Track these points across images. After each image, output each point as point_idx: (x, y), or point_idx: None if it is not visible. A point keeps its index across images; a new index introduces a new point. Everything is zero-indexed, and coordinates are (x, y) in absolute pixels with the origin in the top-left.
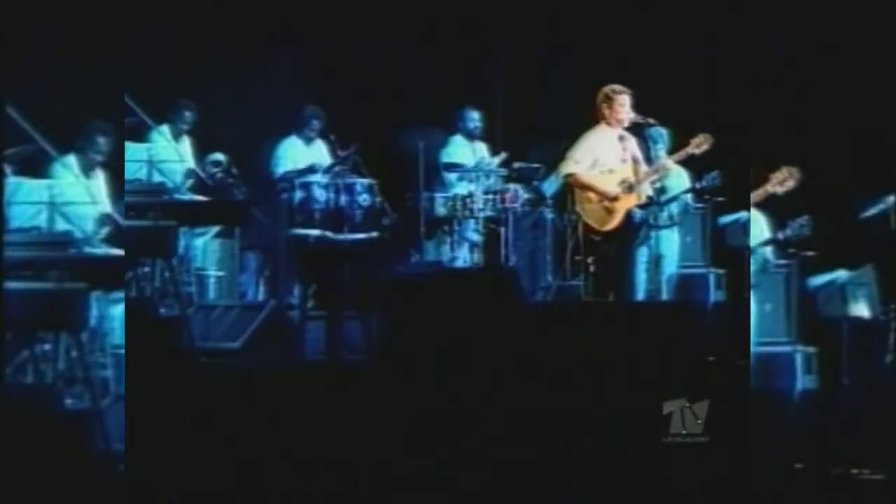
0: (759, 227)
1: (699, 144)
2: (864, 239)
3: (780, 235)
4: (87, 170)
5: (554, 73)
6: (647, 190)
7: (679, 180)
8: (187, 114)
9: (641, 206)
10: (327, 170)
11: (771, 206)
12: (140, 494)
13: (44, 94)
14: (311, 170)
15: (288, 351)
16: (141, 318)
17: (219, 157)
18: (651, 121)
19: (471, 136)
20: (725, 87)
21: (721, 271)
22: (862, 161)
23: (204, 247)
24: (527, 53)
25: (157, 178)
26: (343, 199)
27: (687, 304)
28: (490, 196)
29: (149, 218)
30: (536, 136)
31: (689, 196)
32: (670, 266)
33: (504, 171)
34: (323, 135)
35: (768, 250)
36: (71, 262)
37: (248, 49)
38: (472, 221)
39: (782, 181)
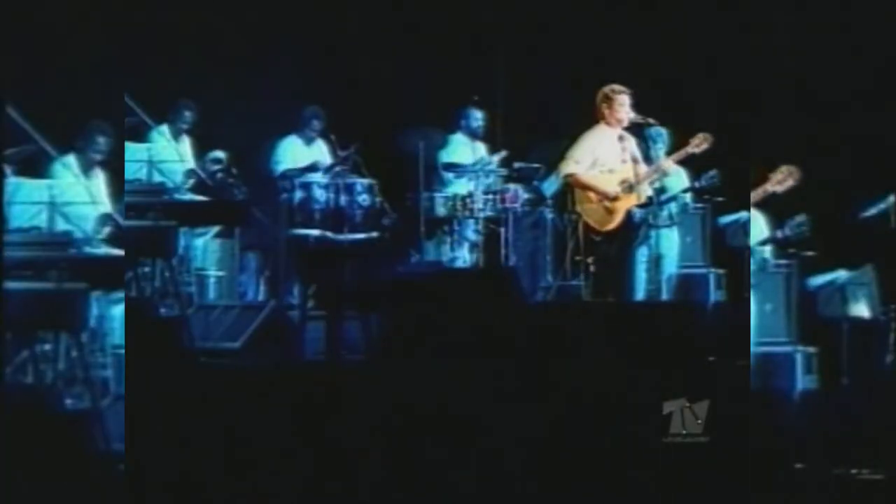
0: (759, 227)
1: (698, 144)
2: (864, 239)
3: (779, 234)
4: (86, 170)
5: (554, 73)
6: (646, 190)
7: (678, 180)
8: (187, 114)
9: (641, 206)
10: (327, 170)
11: (770, 205)
12: (140, 494)
13: (44, 94)
14: (313, 168)
15: (288, 351)
16: (141, 318)
17: (219, 154)
18: (650, 120)
19: (474, 134)
20: (725, 87)
21: (721, 271)
22: (862, 161)
23: (204, 247)
24: (527, 53)
25: (157, 178)
26: (343, 199)
27: (687, 304)
28: (490, 196)
29: (149, 218)
30: (536, 136)
31: (688, 195)
32: (670, 266)
33: (504, 171)
34: (323, 135)
35: (767, 249)
36: (71, 262)
37: (248, 49)
38: (471, 221)
39: (782, 180)
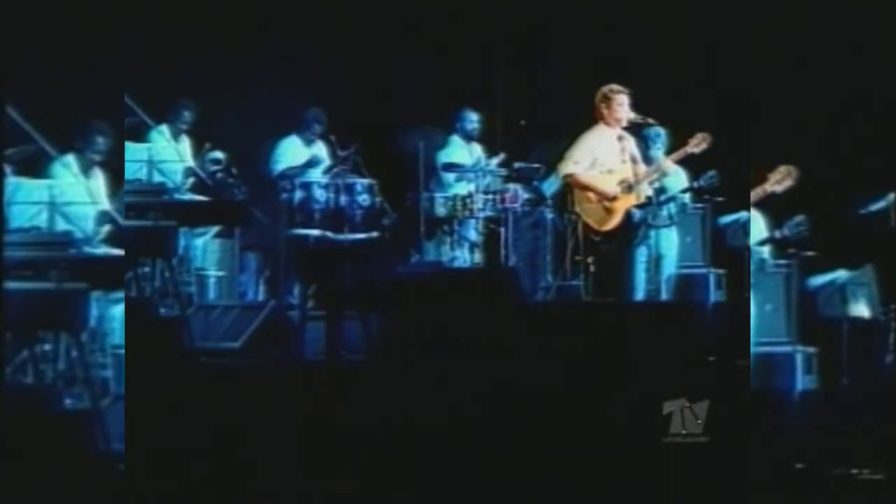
0: (758, 227)
1: (698, 144)
2: (863, 238)
3: (777, 234)
4: (86, 170)
5: (554, 73)
6: (646, 190)
7: (678, 180)
8: (186, 114)
9: (640, 206)
10: (327, 170)
11: (769, 205)
12: (140, 494)
13: (44, 94)
14: (311, 164)
15: (288, 351)
16: (141, 318)
17: (218, 155)
18: (650, 120)
19: (469, 137)
20: (725, 87)
21: (721, 271)
22: (862, 161)
23: (204, 247)
24: (527, 53)
25: (157, 178)
26: (343, 199)
27: (687, 304)
28: (490, 196)
29: (149, 218)
30: (536, 136)
31: (687, 195)
32: (670, 266)
33: (503, 171)
34: (324, 137)
35: (766, 249)
36: (71, 262)
37: (248, 49)
38: (472, 221)
39: (780, 180)
